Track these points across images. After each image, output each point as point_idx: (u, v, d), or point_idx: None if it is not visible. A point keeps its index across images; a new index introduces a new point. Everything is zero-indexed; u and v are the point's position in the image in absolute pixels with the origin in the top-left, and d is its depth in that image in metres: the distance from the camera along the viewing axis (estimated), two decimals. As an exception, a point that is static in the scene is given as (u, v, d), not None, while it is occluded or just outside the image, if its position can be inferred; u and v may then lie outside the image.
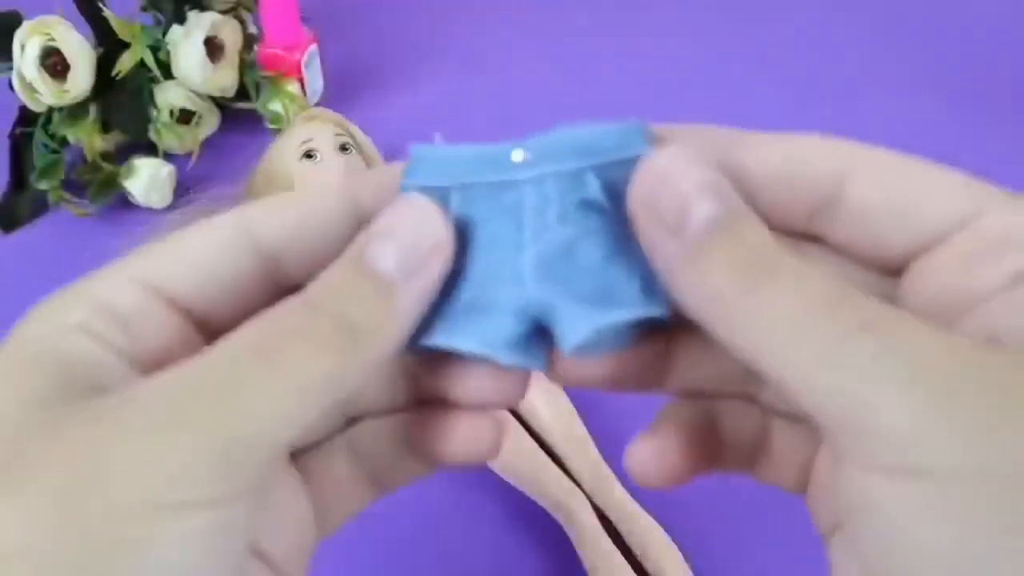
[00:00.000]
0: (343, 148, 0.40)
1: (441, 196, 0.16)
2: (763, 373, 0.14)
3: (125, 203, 0.47)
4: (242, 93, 0.52)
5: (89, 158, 0.46)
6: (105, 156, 0.47)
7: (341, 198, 0.16)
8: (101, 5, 0.47)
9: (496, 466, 0.32)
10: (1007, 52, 0.62)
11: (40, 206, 0.47)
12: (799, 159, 0.16)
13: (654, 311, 0.15)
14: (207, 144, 0.52)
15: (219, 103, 0.52)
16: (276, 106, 0.50)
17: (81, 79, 0.45)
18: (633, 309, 0.15)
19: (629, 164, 0.16)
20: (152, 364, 0.14)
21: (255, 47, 0.53)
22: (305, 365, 0.13)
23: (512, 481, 0.31)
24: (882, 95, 0.58)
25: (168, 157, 0.49)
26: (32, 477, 0.12)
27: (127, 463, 0.12)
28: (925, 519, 0.12)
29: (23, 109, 0.48)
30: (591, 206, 0.15)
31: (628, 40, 0.64)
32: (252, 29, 0.54)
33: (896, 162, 0.15)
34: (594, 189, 0.16)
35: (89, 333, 0.14)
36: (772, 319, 0.13)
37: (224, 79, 0.50)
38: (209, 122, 0.52)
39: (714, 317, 0.14)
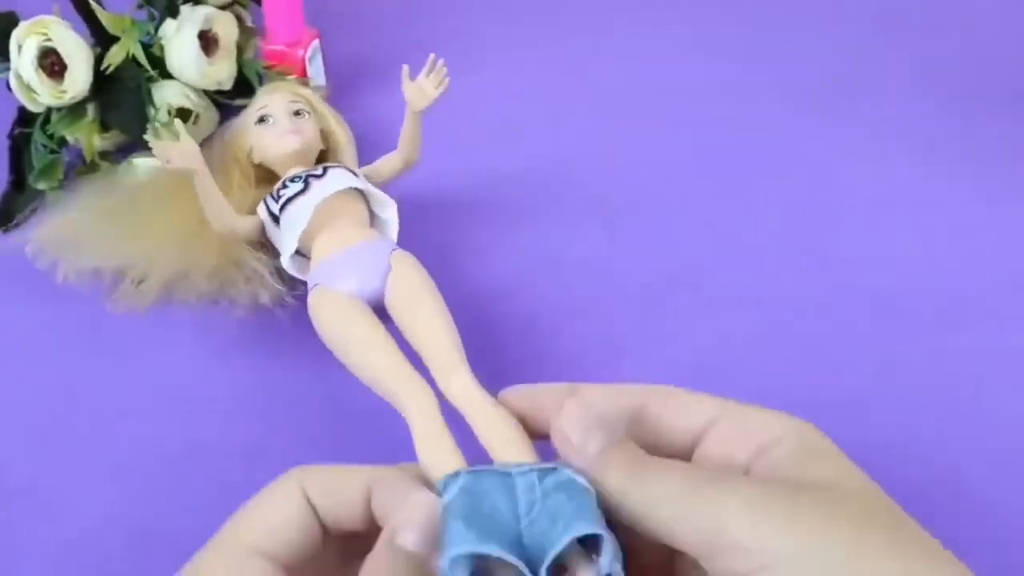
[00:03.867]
0: (296, 113, 0.42)
1: (454, 475, 0.23)
2: (651, 530, 0.21)
3: (124, 203, 0.47)
4: (241, 90, 0.52)
5: (88, 158, 0.46)
6: (104, 156, 0.47)
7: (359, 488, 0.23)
8: (95, 3, 0.46)
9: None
10: (1006, 52, 0.62)
11: (39, 206, 0.47)
12: (615, 395, 0.25)
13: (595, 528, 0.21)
14: (205, 143, 0.52)
15: (217, 101, 0.52)
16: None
17: (79, 79, 0.45)
18: (583, 528, 0.21)
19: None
20: None
21: (254, 40, 0.53)
22: None
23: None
24: (882, 95, 0.58)
25: (167, 157, 0.49)
26: None
27: None
28: None
29: (21, 110, 0.48)
30: (562, 485, 0.23)
31: (628, 40, 0.64)
32: (250, 23, 0.54)
33: (673, 390, 0.25)
34: (565, 474, 0.23)
35: None
36: (655, 495, 0.21)
37: (220, 73, 0.50)
38: (207, 120, 0.52)
39: (618, 503, 0.22)
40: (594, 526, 0.21)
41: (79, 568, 0.31)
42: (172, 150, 0.37)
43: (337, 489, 0.23)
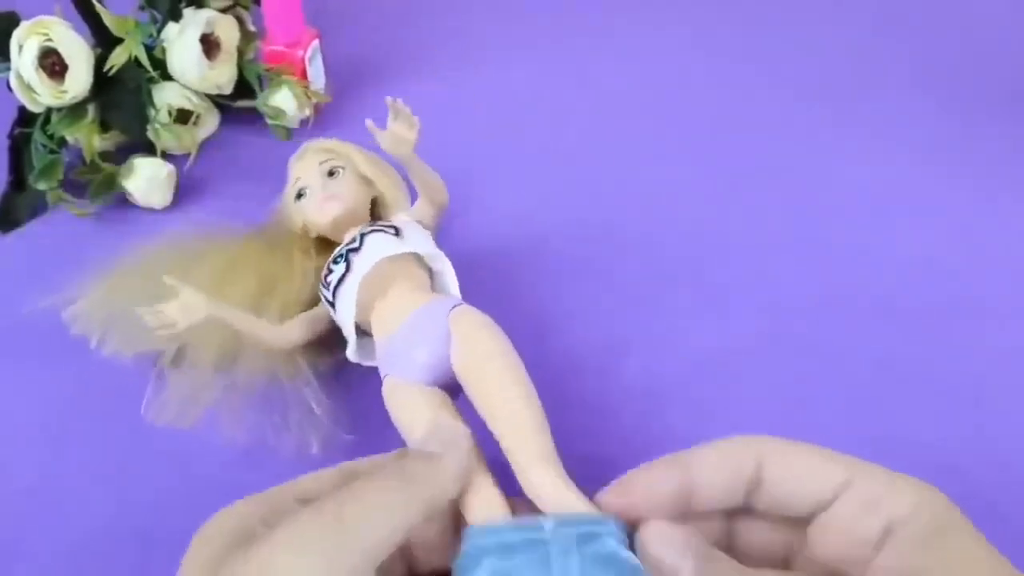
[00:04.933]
0: (330, 174, 0.40)
1: (481, 553, 0.22)
2: None
3: (124, 203, 0.47)
4: (242, 91, 0.52)
5: (88, 158, 0.46)
6: (104, 156, 0.47)
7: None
8: (97, 3, 0.46)
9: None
10: (1007, 52, 0.62)
11: (39, 207, 0.47)
12: (729, 461, 0.24)
13: None
14: (207, 144, 0.52)
15: (218, 103, 0.52)
16: (277, 101, 0.50)
17: (79, 79, 0.45)
18: None
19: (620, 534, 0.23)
20: None
21: (255, 44, 0.53)
22: (387, 499, 0.22)
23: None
24: (882, 95, 0.58)
25: (168, 157, 0.49)
26: None
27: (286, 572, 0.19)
28: None
29: (22, 110, 0.48)
30: (606, 560, 0.22)
31: (628, 40, 0.64)
32: (251, 27, 0.54)
33: (794, 448, 0.23)
34: (610, 545, 0.22)
35: None
36: None
37: (221, 76, 0.50)
38: (208, 122, 0.52)
39: None
40: None
41: (81, 569, 0.32)
42: (171, 310, 0.33)
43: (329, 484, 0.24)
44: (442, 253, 0.36)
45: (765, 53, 0.62)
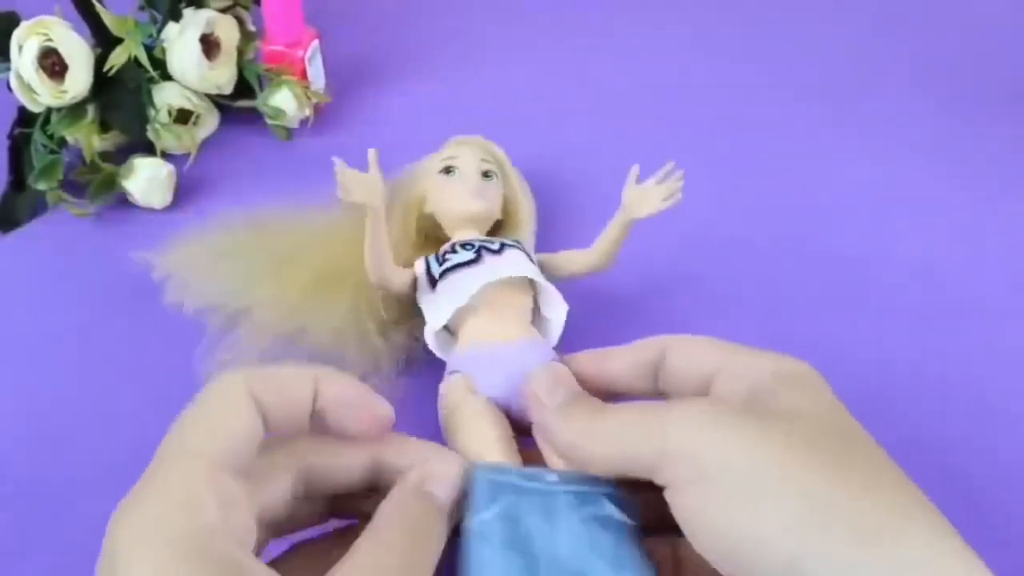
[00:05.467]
0: (485, 175, 0.39)
1: (497, 489, 0.24)
2: (614, 466, 0.23)
3: (124, 203, 0.47)
4: (242, 91, 0.52)
5: (88, 158, 0.46)
6: (104, 156, 0.47)
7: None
8: (97, 3, 0.46)
9: None
10: (1007, 52, 0.62)
11: (39, 207, 0.47)
12: (640, 352, 0.28)
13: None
14: (207, 144, 0.52)
15: (218, 103, 0.52)
16: (277, 101, 0.50)
17: (79, 79, 0.45)
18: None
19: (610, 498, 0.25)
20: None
21: (255, 44, 0.53)
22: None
23: None
24: (882, 95, 0.58)
25: (168, 157, 0.49)
26: None
27: None
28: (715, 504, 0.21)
29: (21, 110, 0.48)
30: (604, 521, 0.24)
31: (628, 40, 0.64)
32: (251, 27, 0.54)
33: (693, 340, 0.27)
34: (607, 509, 0.24)
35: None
36: (612, 428, 0.24)
37: (221, 76, 0.50)
38: (208, 122, 0.52)
39: (584, 446, 0.24)
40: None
41: (80, 569, 0.32)
42: (354, 181, 0.33)
43: (285, 389, 0.23)
44: (565, 304, 0.35)
45: (765, 53, 0.62)
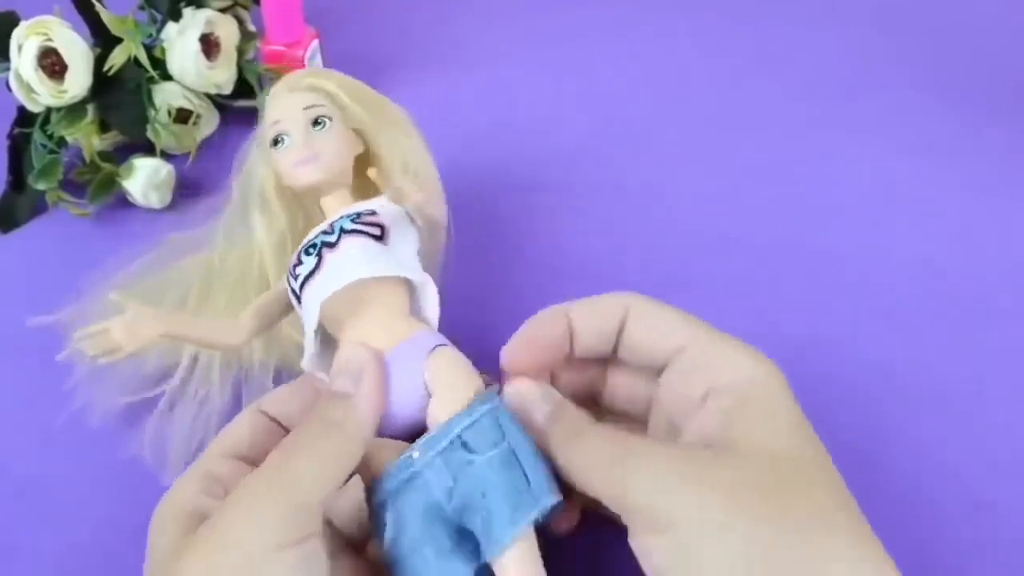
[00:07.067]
0: (315, 123, 0.32)
1: (384, 507, 0.25)
2: (589, 492, 0.24)
3: (124, 203, 0.47)
4: (242, 91, 0.52)
5: (87, 158, 0.46)
6: (104, 156, 0.47)
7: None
8: (97, 3, 0.46)
9: None
10: (1007, 52, 0.62)
11: (39, 207, 0.47)
12: (601, 311, 0.28)
13: (548, 502, 0.24)
14: (207, 144, 0.52)
15: (218, 103, 0.52)
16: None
17: (79, 79, 0.45)
18: (534, 509, 0.24)
19: (488, 418, 0.26)
20: None
21: (255, 43, 0.53)
22: (317, 448, 0.24)
23: None
24: (882, 94, 0.58)
25: (168, 157, 0.49)
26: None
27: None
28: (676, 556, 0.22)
29: (21, 110, 0.48)
30: (463, 462, 0.25)
31: (628, 40, 0.64)
32: (251, 27, 0.54)
33: (656, 308, 0.28)
34: (466, 449, 0.25)
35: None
36: (585, 464, 0.25)
37: (220, 76, 0.50)
38: (208, 121, 0.52)
39: (562, 466, 0.25)
40: (536, 506, 0.24)
41: (81, 570, 0.32)
42: (116, 332, 0.28)
43: (286, 399, 0.29)
44: (429, 279, 0.30)
45: (765, 52, 0.62)
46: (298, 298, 0.30)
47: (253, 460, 0.26)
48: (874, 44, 0.63)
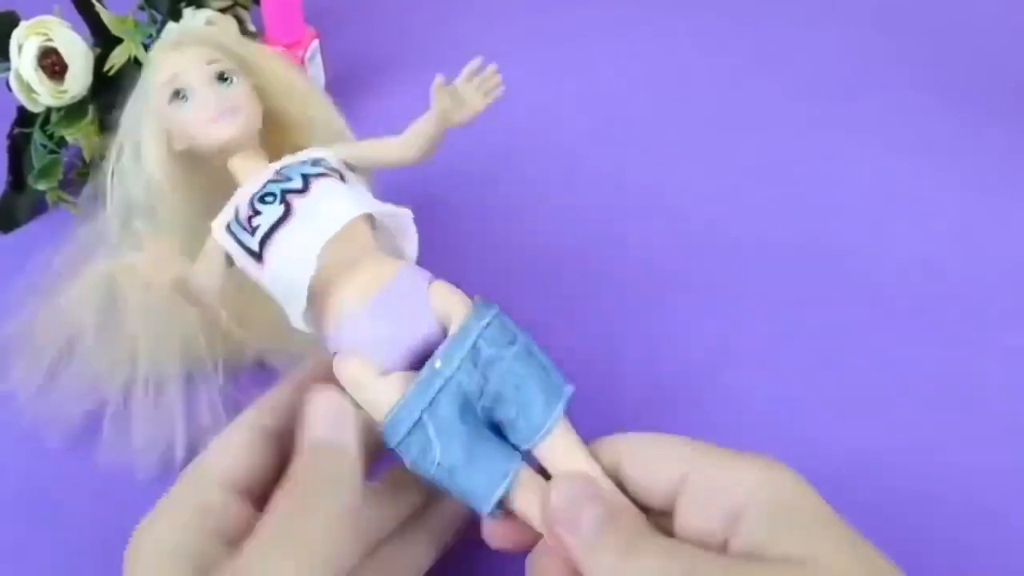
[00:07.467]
0: (221, 78, 0.31)
1: (421, 426, 0.25)
2: None
3: (124, 203, 0.47)
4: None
5: (88, 158, 0.46)
6: (104, 156, 0.47)
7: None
8: (96, 3, 0.46)
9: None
10: (1007, 52, 0.62)
11: (39, 207, 0.47)
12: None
13: (569, 389, 0.26)
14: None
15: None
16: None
17: (79, 79, 0.45)
18: (561, 395, 0.26)
19: (497, 320, 0.27)
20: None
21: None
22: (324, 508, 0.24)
23: None
24: (882, 94, 0.58)
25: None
26: None
27: None
28: None
29: (21, 110, 0.48)
30: (491, 360, 0.25)
31: (628, 40, 0.64)
32: (251, 27, 0.54)
33: (644, 445, 0.25)
34: (491, 348, 0.26)
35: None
36: None
37: (222, 78, 0.50)
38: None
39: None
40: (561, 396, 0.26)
41: (81, 569, 0.32)
42: (142, 267, 0.26)
43: (282, 408, 0.27)
44: (407, 210, 0.30)
45: (765, 52, 0.62)
46: (257, 256, 0.28)
47: (249, 488, 0.25)
48: (874, 44, 0.63)
